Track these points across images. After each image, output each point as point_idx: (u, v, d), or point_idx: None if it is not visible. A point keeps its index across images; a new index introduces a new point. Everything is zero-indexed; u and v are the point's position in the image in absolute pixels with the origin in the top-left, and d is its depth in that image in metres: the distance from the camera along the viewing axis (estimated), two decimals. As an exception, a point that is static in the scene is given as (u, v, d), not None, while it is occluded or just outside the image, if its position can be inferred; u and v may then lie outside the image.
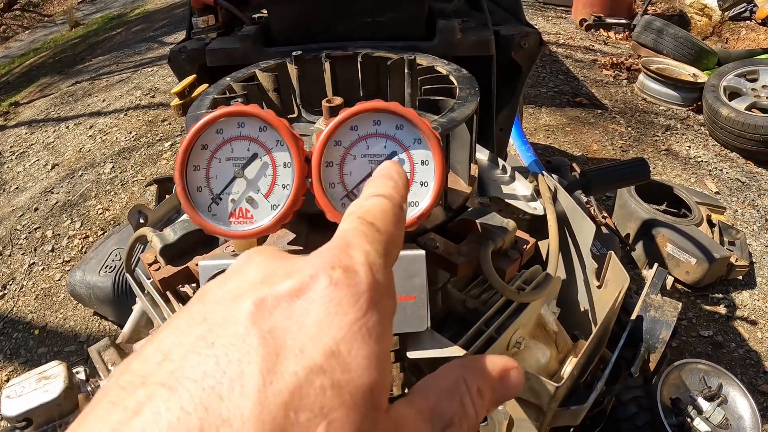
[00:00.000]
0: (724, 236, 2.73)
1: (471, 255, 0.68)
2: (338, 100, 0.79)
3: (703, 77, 4.20)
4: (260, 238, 0.63)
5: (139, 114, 4.62)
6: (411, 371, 0.68)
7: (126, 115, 4.65)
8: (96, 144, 4.28)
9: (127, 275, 0.92)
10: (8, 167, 4.25)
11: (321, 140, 0.55)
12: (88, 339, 2.68)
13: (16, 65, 7.14)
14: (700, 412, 1.41)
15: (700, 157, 3.73)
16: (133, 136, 4.26)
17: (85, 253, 3.09)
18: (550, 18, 6.31)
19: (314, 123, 0.93)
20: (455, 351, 0.58)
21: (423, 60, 0.92)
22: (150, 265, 0.81)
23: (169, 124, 4.35)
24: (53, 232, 3.38)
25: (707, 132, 3.95)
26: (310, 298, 0.26)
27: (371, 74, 0.99)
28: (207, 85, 1.03)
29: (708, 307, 2.64)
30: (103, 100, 5.04)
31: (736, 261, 2.63)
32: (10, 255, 3.28)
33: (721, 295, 2.69)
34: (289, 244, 0.73)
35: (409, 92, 0.89)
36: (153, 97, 4.85)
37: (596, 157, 3.69)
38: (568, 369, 0.59)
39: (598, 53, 5.31)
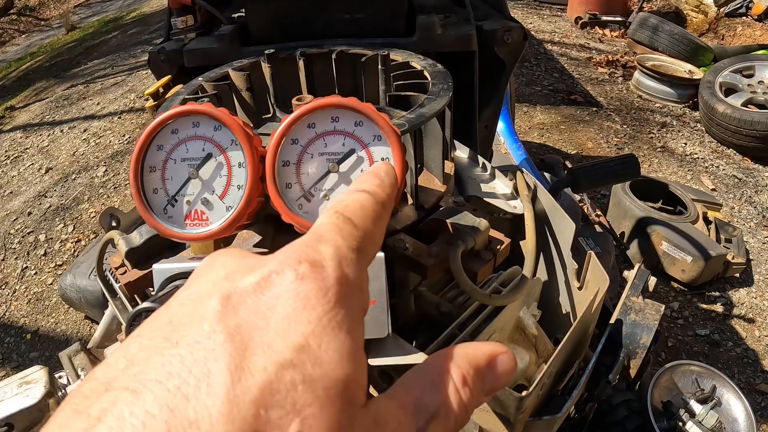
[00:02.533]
0: (721, 233, 2.71)
1: (441, 256, 0.65)
2: (309, 98, 0.77)
3: (699, 74, 4.17)
4: (218, 240, 0.61)
5: (133, 117, 4.60)
6: (381, 378, 0.65)
7: (120, 118, 4.64)
8: (90, 147, 4.26)
9: (98, 279, 0.90)
10: (3, 171, 4.24)
11: (275, 138, 0.52)
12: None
13: (12, 69, 7.13)
14: (692, 415, 1.38)
15: (696, 153, 3.71)
16: (126, 140, 4.24)
17: (77, 257, 3.07)
18: (545, 16, 6.29)
19: (289, 122, 0.91)
20: (420, 358, 0.56)
21: (398, 56, 0.90)
22: (117, 268, 0.79)
23: (163, 126, 4.33)
24: (46, 236, 3.36)
25: (703, 129, 3.93)
26: (276, 293, 0.25)
27: (347, 72, 0.96)
28: (181, 85, 1.01)
29: (705, 306, 2.62)
30: (98, 104, 5.02)
31: (732, 258, 2.60)
32: (3, 259, 3.26)
33: (717, 294, 2.67)
34: (255, 246, 0.71)
35: (383, 89, 0.86)
36: (147, 99, 4.82)
37: (591, 155, 3.66)
38: (536, 377, 0.57)
39: (594, 51, 5.28)
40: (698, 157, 3.67)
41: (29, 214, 3.61)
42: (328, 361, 0.24)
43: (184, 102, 0.86)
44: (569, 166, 2.01)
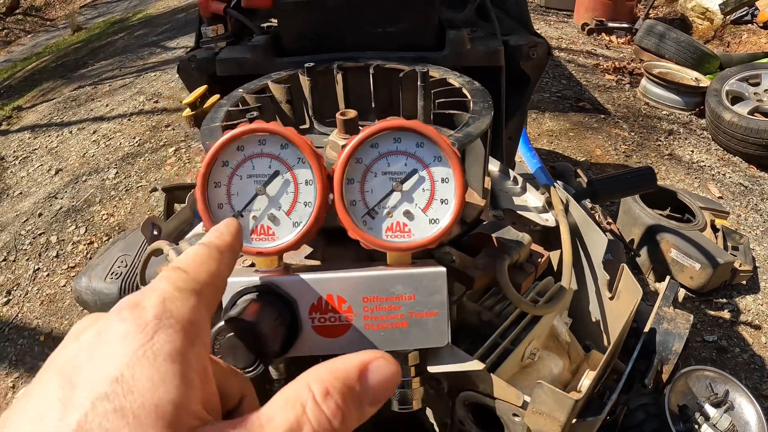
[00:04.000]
0: (728, 241, 2.74)
1: (487, 268, 0.68)
2: (352, 113, 0.80)
3: (705, 81, 4.21)
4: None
5: (143, 119, 4.63)
6: (429, 384, 0.68)
7: (129, 120, 4.66)
8: (100, 149, 4.28)
9: (142, 287, 0.92)
10: (11, 172, 4.26)
11: (343, 158, 0.55)
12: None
13: (18, 69, 7.15)
14: (707, 418, 1.41)
15: (702, 161, 3.74)
16: (136, 142, 4.27)
17: (90, 259, 3.09)
18: (552, 22, 6.33)
19: (326, 135, 0.94)
20: (474, 365, 0.59)
21: (435, 72, 0.93)
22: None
23: (173, 129, 4.36)
24: (58, 238, 3.39)
25: (710, 136, 3.96)
26: (103, 339, 0.29)
27: (383, 85, 0.99)
28: (219, 96, 1.03)
29: (712, 312, 2.64)
30: (107, 105, 5.04)
31: (739, 266, 2.63)
32: (14, 261, 3.28)
33: (725, 300, 2.70)
34: (306, 258, 0.74)
35: (422, 105, 0.89)
36: (156, 102, 4.86)
37: (600, 162, 3.70)
38: (586, 382, 0.60)
39: (601, 58, 5.32)
40: (705, 165, 3.70)
41: (40, 215, 3.63)
42: (140, 389, 0.26)
43: (228, 114, 0.90)
44: (580, 173, 2.04)
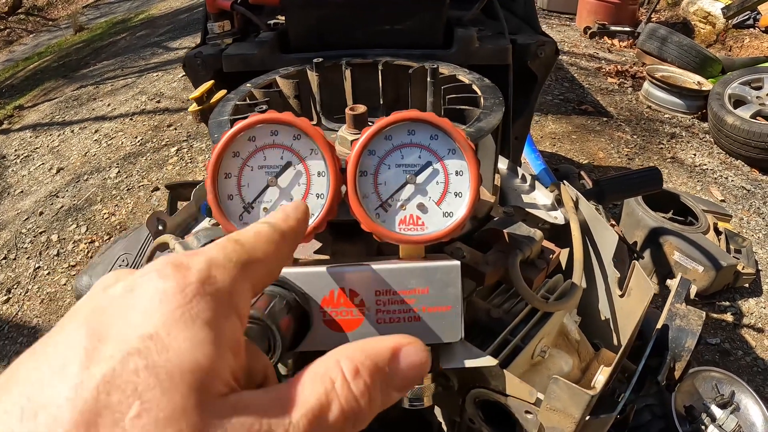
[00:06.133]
0: (731, 244, 2.73)
1: (498, 264, 0.68)
2: (362, 108, 0.79)
3: (707, 85, 4.21)
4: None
5: (145, 119, 4.63)
6: (439, 381, 0.67)
7: (131, 119, 4.66)
8: (101, 148, 4.28)
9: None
10: (13, 171, 4.26)
11: (357, 149, 0.54)
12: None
13: (20, 69, 7.15)
14: (713, 419, 1.41)
15: (705, 164, 3.74)
16: (138, 141, 4.26)
17: (91, 257, 3.08)
18: (554, 26, 6.34)
19: (334, 131, 0.93)
20: (488, 361, 0.58)
21: (444, 69, 0.92)
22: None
23: (175, 129, 4.35)
24: (58, 237, 3.38)
25: (712, 140, 3.96)
26: (138, 293, 0.28)
27: (391, 82, 0.99)
28: (225, 91, 1.03)
29: (715, 315, 2.64)
30: (108, 105, 5.04)
31: (742, 269, 2.62)
32: (15, 259, 3.27)
33: (727, 303, 2.69)
34: (315, 252, 0.73)
35: (431, 101, 0.89)
36: (158, 102, 4.85)
37: (602, 165, 3.69)
38: (600, 378, 0.59)
39: (603, 61, 5.32)
40: (707, 168, 3.69)
41: (41, 213, 3.62)
42: (175, 349, 0.25)
43: (236, 108, 0.89)
44: (584, 175, 2.04)
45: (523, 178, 0.97)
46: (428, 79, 0.87)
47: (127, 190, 3.70)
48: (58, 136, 4.66)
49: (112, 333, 0.26)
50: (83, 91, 5.57)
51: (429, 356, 0.31)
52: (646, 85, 4.49)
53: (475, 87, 0.84)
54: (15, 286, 3.09)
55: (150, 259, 0.95)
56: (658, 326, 0.74)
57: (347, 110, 0.79)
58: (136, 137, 4.33)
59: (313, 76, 0.97)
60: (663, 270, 2.64)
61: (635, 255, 2.59)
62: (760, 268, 2.88)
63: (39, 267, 3.19)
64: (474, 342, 0.76)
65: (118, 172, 3.91)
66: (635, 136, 4.04)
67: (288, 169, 0.57)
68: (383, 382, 0.29)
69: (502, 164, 1.00)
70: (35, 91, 6.04)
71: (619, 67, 5.05)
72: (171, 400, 0.24)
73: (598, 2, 5.82)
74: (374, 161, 0.56)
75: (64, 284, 3.02)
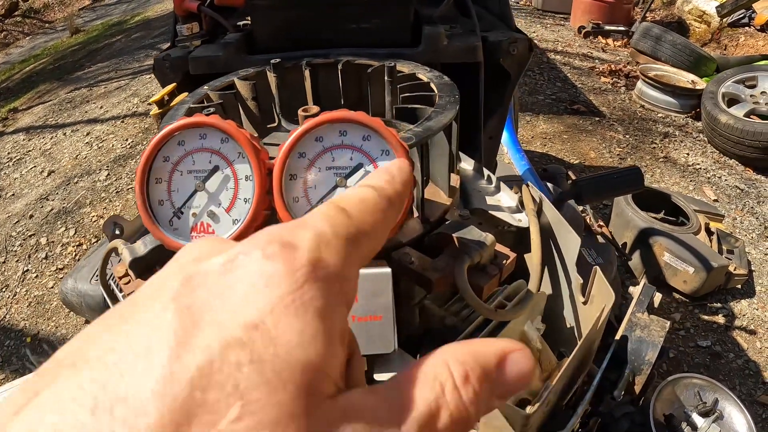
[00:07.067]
0: (723, 245, 2.70)
1: (446, 270, 0.65)
2: (315, 109, 0.77)
3: (701, 84, 4.18)
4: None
5: (136, 121, 4.61)
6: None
7: (122, 122, 4.64)
8: (92, 151, 4.26)
9: (101, 287, 0.89)
10: (5, 174, 4.24)
11: (283, 152, 0.52)
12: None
13: (16, 71, 7.15)
14: (694, 428, 1.37)
15: (698, 164, 3.71)
16: (129, 144, 4.25)
17: (78, 260, 3.07)
18: (548, 25, 6.31)
19: (294, 132, 0.91)
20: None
21: (404, 67, 0.90)
22: (121, 278, 0.79)
23: (166, 130, 4.33)
24: (47, 240, 3.36)
25: (706, 139, 3.93)
26: (239, 274, 0.24)
27: (353, 82, 0.96)
28: (186, 94, 1.00)
29: (706, 317, 2.61)
30: (101, 107, 5.03)
31: (734, 270, 2.59)
32: (4, 262, 3.26)
33: (719, 305, 2.66)
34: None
35: (389, 100, 0.86)
36: (150, 104, 4.83)
37: (594, 165, 3.66)
38: (543, 394, 0.56)
39: (597, 60, 5.29)
40: (700, 168, 3.66)
41: (31, 216, 3.61)
42: (284, 343, 0.22)
43: (189, 111, 0.86)
44: (572, 176, 2.01)
45: (489, 179, 0.94)
46: (385, 77, 0.85)
47: (116, 192, 3.68)
48: (51, 138, 4.65)
49: (208, 318, 0.22)
50: (77, 94, 5.56)
51: (536, 366, 0.28)
52: (639, 84, 4.46)
53: (432, 85, 0.81)
54: (4, 289, 3.08)
55: (104, 265, 0.93)
56: (617, 337, 0.72)
57: (300, 111, 0.77)
58: (126, 140, 4.31)
59: (271, 77, 0.94)
60: (653, 272, 2.61)
61: (624, 257, 2.56)
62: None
63: (27, 270, 3.17)
64: (427, 350, 0.73)
65: (108, 174, 3.89)
66: (627, 136, 4.01)
67: (216, 174, 0.55)
68: (489, 390, 0.26)
69: (468, 165, 0.98)
70: (30, 94, 6.03)
71: (612, 66, 5.02)
72: (278, 402, 0.21)
73: (593, 2, 5.79)
74: (304, 164, 0.54)
75: (52, 287, 3.01)
